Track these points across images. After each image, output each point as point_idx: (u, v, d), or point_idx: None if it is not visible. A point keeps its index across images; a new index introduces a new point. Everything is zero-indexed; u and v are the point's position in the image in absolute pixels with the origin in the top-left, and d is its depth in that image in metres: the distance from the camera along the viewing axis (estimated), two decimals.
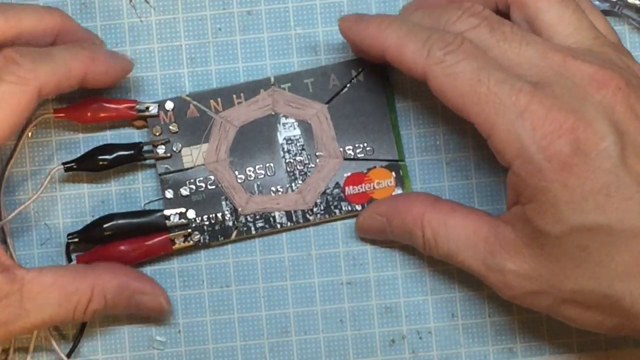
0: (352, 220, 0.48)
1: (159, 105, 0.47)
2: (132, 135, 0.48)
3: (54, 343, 0.47)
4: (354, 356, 0.48)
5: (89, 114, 0.47)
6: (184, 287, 0.48)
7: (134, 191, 0.48)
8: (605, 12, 0.48)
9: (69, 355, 0.47)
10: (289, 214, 0.47)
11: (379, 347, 0.48)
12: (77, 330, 0.48)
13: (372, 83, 0.47)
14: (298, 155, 0.47)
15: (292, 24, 0.48)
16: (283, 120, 0.47)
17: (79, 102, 0.47)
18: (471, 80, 0.40)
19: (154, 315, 0.47)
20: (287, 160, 0.47)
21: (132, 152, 0.47)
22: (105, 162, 0.47)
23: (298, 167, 0.47)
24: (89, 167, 0.47)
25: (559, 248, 0.39)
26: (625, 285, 0.39)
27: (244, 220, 0.47)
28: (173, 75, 0.48)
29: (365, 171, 0.47)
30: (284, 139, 0.47)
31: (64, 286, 0.44)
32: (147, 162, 0.47)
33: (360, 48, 0.44)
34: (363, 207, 0.47)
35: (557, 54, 0.40)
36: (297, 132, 0.47)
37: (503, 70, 0.40)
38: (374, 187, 0.48)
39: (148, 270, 0.48)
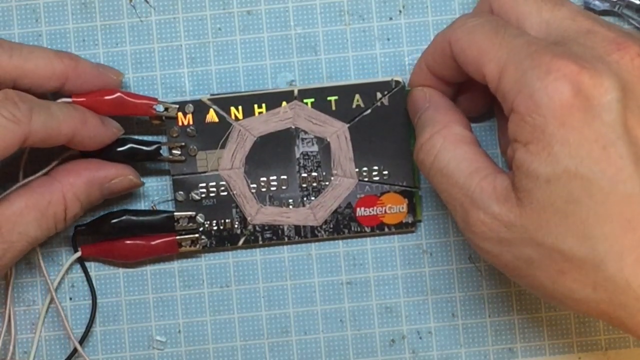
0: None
1: (178, 107, 0.47)
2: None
3: (68, 328, 0.47)
4: (354, 356, 0.48)
5: (107, 105, 0.46)
6: (184, 287, 0.48)
7: (143, 190, 0.48)
8: (605, 12, 0.48)
9: (81, 342, 0.48)
10: (297, 229, 0.47)
11: (379, 347, 0.48)
12: (89, 318, 0.48)
13: (396, 107, 0.47)
14: (313, 171, 0.47)
15: (292, 24, 0.48)
16: (302, 135, 0.47)
17: (98, 91, 0.46)
18: (489, 32, 0.40)
19: (130, 191, 0.47)
20: (302, 175, 0.47)
21: (149, 149, 0.47)
22: (119, 154, 0.46)
23: (312, 183, 0.47)
24: (102, 157, 0.46)
25: (548, 195, 0.38)
26: (610, 248, 0.38)
27: (252, 230, 0.47)
28: (173, 75, 0.48)
29: (378, 195, 0.47)
30: (301, 153, 0.47)
31: (36, 205, 0.44)
32: (162, 162, 0.47)
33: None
34: (372, 229, 0.47)
35: (587, 19, 0.41)
36: (315, 148, 0.47)
37: (521, 28, 0.41)
38: (385, 212, 0.47)
39: (148, 270, 0.48)
